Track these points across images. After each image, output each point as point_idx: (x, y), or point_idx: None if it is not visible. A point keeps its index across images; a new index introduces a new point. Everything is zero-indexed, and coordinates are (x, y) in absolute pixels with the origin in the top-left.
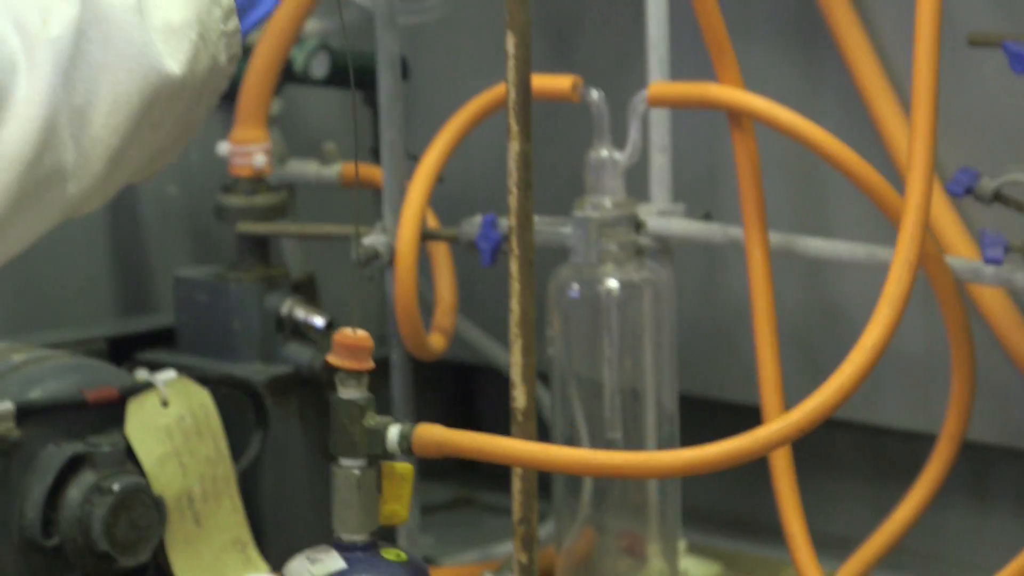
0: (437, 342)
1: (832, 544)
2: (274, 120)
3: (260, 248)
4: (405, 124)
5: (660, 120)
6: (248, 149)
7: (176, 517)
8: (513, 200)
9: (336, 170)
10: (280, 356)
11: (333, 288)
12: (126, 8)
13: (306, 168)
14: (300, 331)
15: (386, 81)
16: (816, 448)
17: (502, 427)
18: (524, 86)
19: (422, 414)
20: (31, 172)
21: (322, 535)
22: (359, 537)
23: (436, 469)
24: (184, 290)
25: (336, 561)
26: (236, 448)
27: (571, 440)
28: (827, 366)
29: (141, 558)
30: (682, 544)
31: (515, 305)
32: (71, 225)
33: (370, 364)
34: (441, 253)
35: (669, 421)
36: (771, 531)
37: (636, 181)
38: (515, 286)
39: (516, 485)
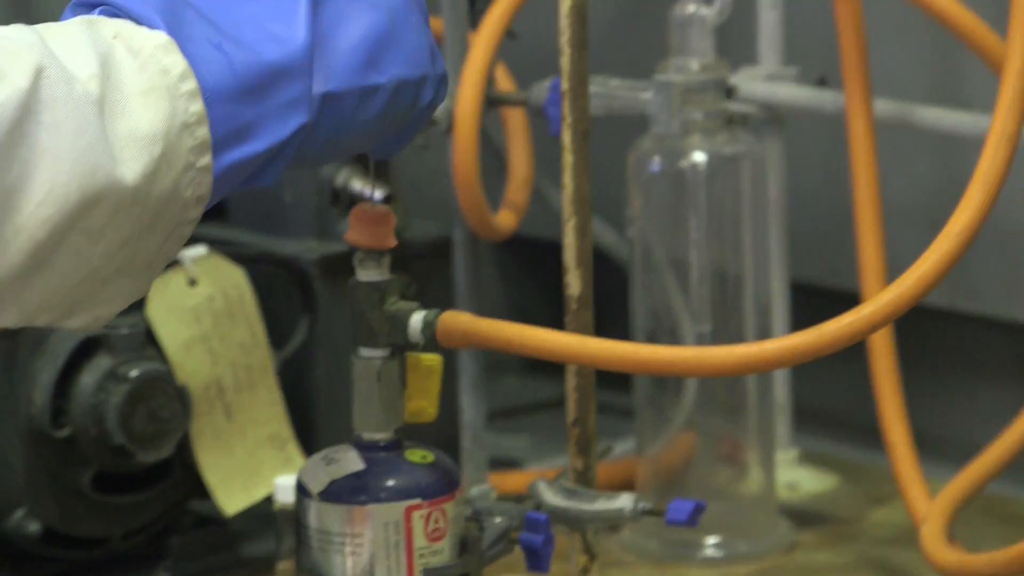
0: (506, 220)
1: (973, 451)
2: None
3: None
4: None
5: None
6: None
7: (204, 409)
8: (566, 61)
9: None
10: (336, 233)
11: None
12: (85, 100)
13: None
14: None
15: None
16: (957, 347)
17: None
18: None
19: (520, 301)
20: None
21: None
22: (381, 435)
23: (543, 363)
24: None
25: (354, 462)
26: (283, 335)
27: (653, 333)
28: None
29: (162, 453)
30: (794, 453)
31: (567, 180)
32: None
33: (392, 241)
34: (516, 121)
35: (763, 313)
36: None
37: (744, 42)
38: (567, 158)
39: (570, 382)
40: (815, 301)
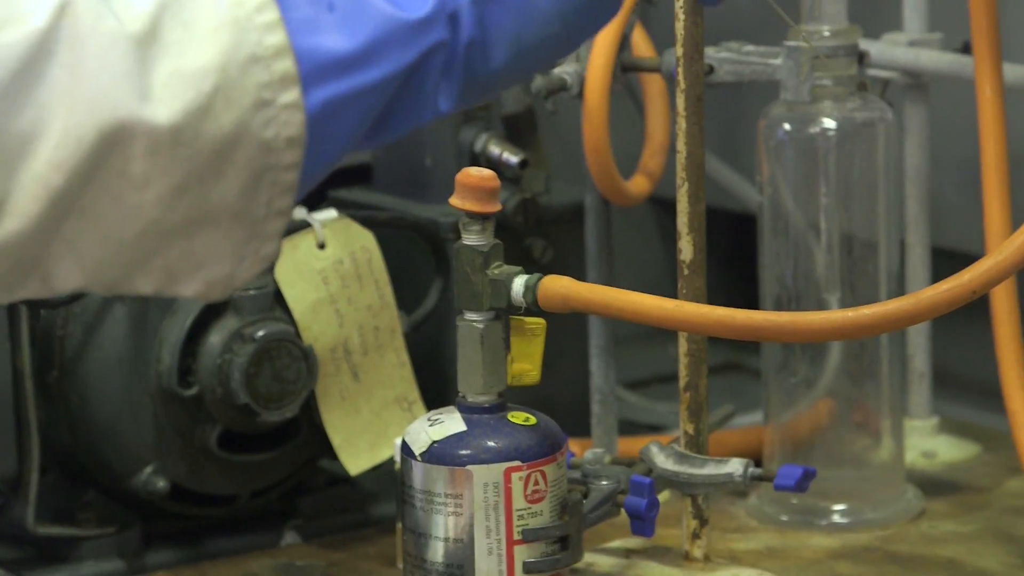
0: (639, 185)
1: None
2: None
3: None
4: None
5: None
6: None
7: (330, 370)
8: (680, 27)
9: None
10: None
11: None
12: (117, 35)
13: None
14: (499, 170)
15: None
16: None
17: None
18: None
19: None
20: None
21: (511, 394)
22: (485, 398)
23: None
24: None
25: (457, 423)
26: (420, 298)
27: (779, 300)
28: None
29: (287, 413)
30: (933, 421)
31: (681, 145)
32: None
33: (496, 206)
34: (655, 87)
35: (893, 280)
36: None
37: (889, 8)
38: (681, 123)
39: (681, 347)
40: (959, 267)
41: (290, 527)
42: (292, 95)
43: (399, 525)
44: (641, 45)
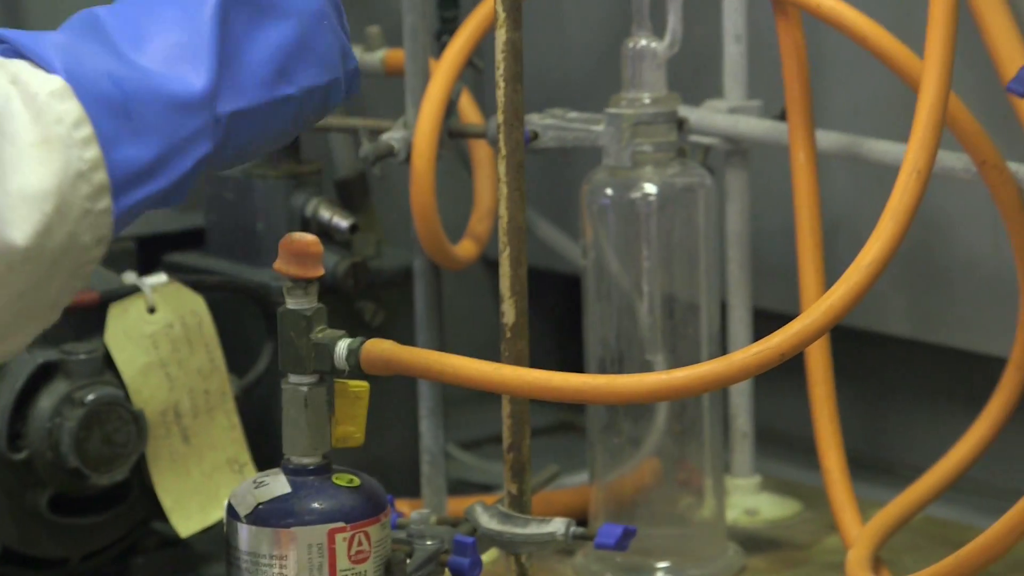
0: (467, 249)
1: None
2: None
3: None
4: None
5: (734, 7)
6: None
7: (160, 433)
8: (501, 94)
9: (379, 56)
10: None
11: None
12: None
13: None
14: (329, 235)
15: None
16: (919, 375)
17: None
18: None
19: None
20: None
21: (343, 455)
22: (309, 460)
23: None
24: (214, 187)
25: (281, 485)
26: (252, 361)
27: (603, 362)
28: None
29: (116, 476)
30: (756, 479)
31: (503, 210)
32: None
33: (318, 271)
34: (482, 152)
35: (714, 341)
36: (859, 464)
37: (711, 76)
38: (502, 189)
39: (505, 409)
40: (777, 328)
41: None
42: (105, 202)
43: None
44: (468, 111)
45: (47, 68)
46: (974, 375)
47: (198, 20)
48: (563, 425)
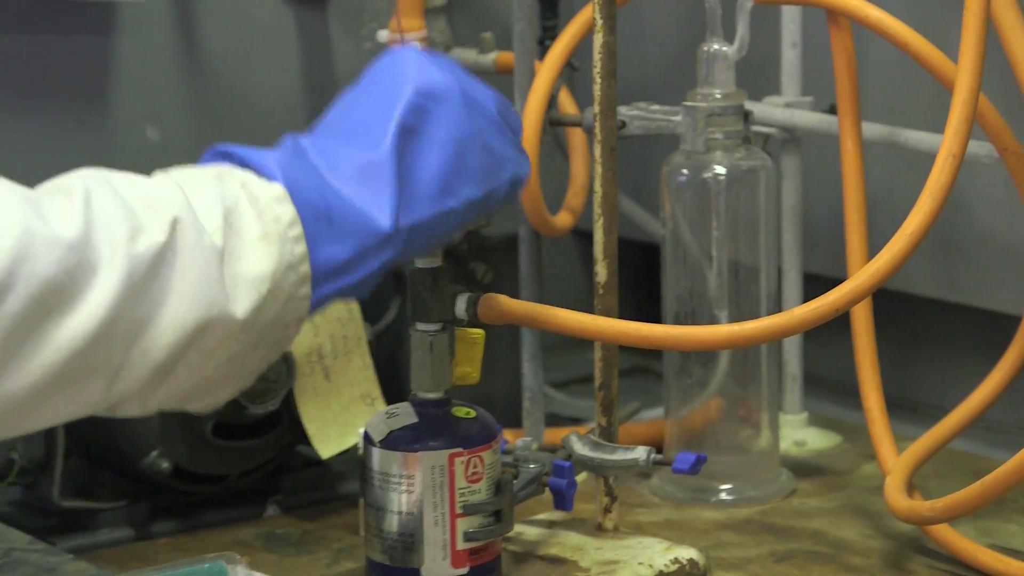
0: (564, 220)
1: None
2: (440, 10)
3: None
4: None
5: (791, 17)
6: (405, 38)
7: (306, 371)
8: (597, 89)
9: (492, 58)
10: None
11: None
12: (210, 249)
13: (465, 56)
14: None
15: None
16: (942, 330)
17: None
18: None
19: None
20: (77, 361)
21: (460, 392)
22: (433, 395)
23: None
24: None
25: (409, 416)
26: (379, 312)
27: (678, 315)
28: (948, 254)
29: (270, 407)
30: (803, 416)
31: (598, 187)
32: None
33: None
34: (577, 138)
35: (772, 300)
36: (893, 405)
37: (771, 76)
38: (598, 169)
39: (596, 353)
40: (825, 289)
41: (272, 502)
42: (306, 290)
43: (361, 501)
44: (566, 104)
45: (269, 177)
46: (990, 330)
47: (380, 151)
48: (639, 368)
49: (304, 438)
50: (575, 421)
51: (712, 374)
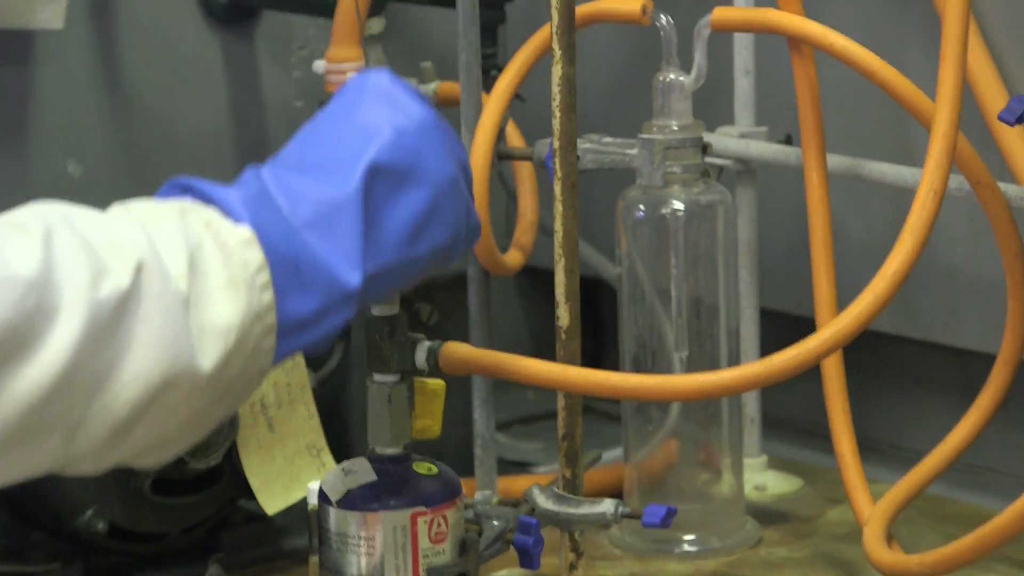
0: (513, 258)
1: (916, 459)
2: (376, 39)
3: None
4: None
5: (744, 44)
6: (343, 67)
7: (249, 422)
8: (556, 123)
9: (432, 88)
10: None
11: None
12: (175, 296)
13: None
14: None
15: (463, 2)
16: (905, 368)
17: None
18: (568, 11)
19: (540, 321)
20: (34, 416)
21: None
22: (391, 450)
23: None
24: None
25: (368, 473)
26: (321, 359)
27: (637, 357)
28: (910, 289)
29: (212, 461)
30: (763, 459)
31: (558, 226)
32: None
33: None
34: (525, 172)
35: (733, 337)
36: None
37: (723, 105)
38: (558, 207)
39: (560, 402)
40: (781, 325)
41: (214, 560)
42: (271, 341)
43: (312, 559)
44: (513, 137)
45: (235, 218)
46: (953, 367)
47: (346, 190)
48: (585, 408)
49: (246, 491)
50: (520, 465)
51: (671, 416)
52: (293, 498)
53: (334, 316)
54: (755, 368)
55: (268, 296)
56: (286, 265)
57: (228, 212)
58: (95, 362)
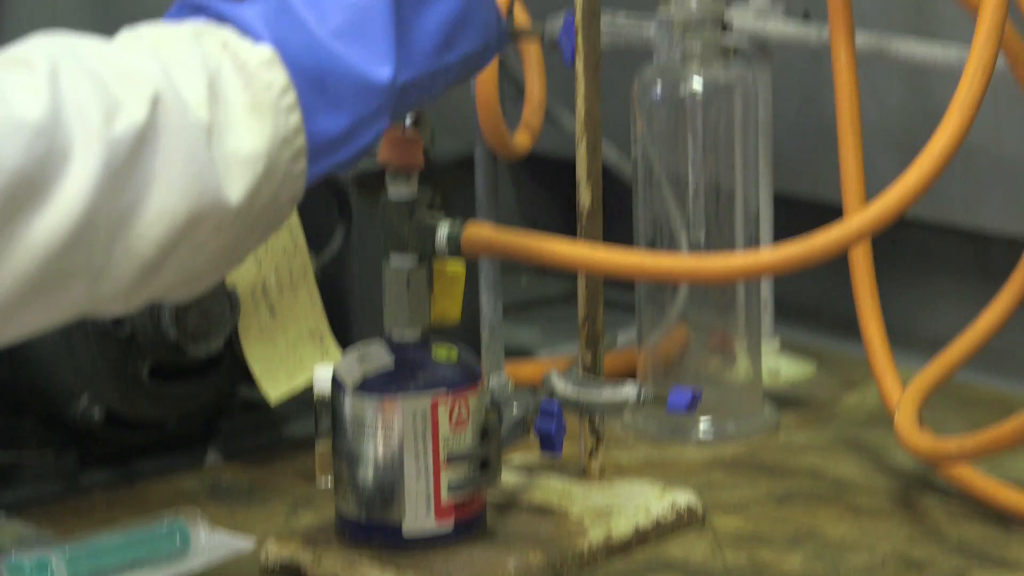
0: (522, 140)
1: (938, 345)
2: None
3: None
4: None
5: None
6: None
7: (250, 308)
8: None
9: None
10: (371, 152)
11: None
12: (196, 127)
13: None
14: None
15: None
16: (922, 251)
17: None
18: None
19: (533, 213)
20: (55, 264)
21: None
22: (410, 334)
23: None
24: None
25: (385, 358)
26: (322, 242)
27: (653, 240)
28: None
29: (212, 347)
30: (775, 343)
31: (580, 103)
32: None
33: (419, 160)
34: (532, 51)
35: (751, 222)
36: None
37: None
38: (580, 85)
39: (581, 284)
40: (795, 210)
41: (213, 447)
42: (302, 165)
43: (318, 446)
44: (519, 15)
45: (254, 36)
46: (974, 251)
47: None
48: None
49: (246, 378)
50: (521, 351)
51: (687, 299)
52: (296, 384)
53: (366, 131)
54: (796, 248)
55: (295, 118)
56: (312, 82)
57: (246, 30)
58: (115, 204)
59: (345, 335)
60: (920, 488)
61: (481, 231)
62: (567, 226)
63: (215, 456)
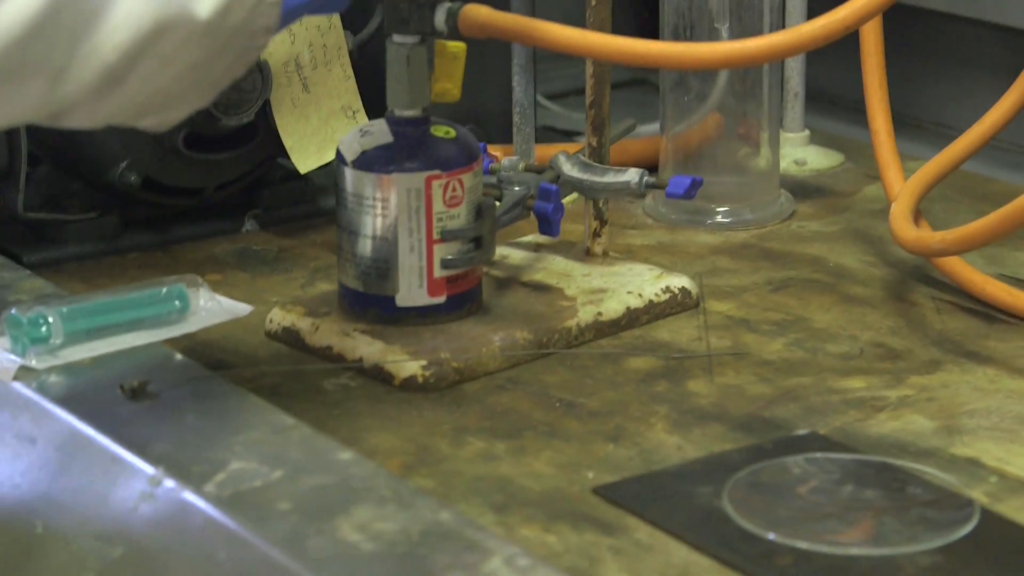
0: None
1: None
2: None
3: None
4: None
5: None
6: None
7: (283, 81)
8: None
9: None
10: None
11: None
12: None
13: None
14: None
15: None
16: (953, 46)
17: None
18: None
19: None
20: (14, 54)
21: (447, 106)
22: (410, 112)
23: None
24: None
25: (384, 135)
26: (363, 21)
27: (676, 28)
28: None
29: (244, 118)
30: (805, 133)
31: None
32: None
33: None
34: None
35: (775, 12)
36: (899, 123)
37: None
38: None
39: (588, 69)
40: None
41: (250, 216)
42: None
43: None
44: None
45: None
46: (1004, 47)
47: None
48: (637, 80)
49: (282, 150)
50: (569, 135)
51: (711, 88)
52: (326, 158)
53: None
54: (783, 37)
55: None
56: None
57: None
58: (78, 3)
59: (379, 113)
60: (915, 281)
61: (479, 11)
62: (633, 5)
63: (252, 224)
